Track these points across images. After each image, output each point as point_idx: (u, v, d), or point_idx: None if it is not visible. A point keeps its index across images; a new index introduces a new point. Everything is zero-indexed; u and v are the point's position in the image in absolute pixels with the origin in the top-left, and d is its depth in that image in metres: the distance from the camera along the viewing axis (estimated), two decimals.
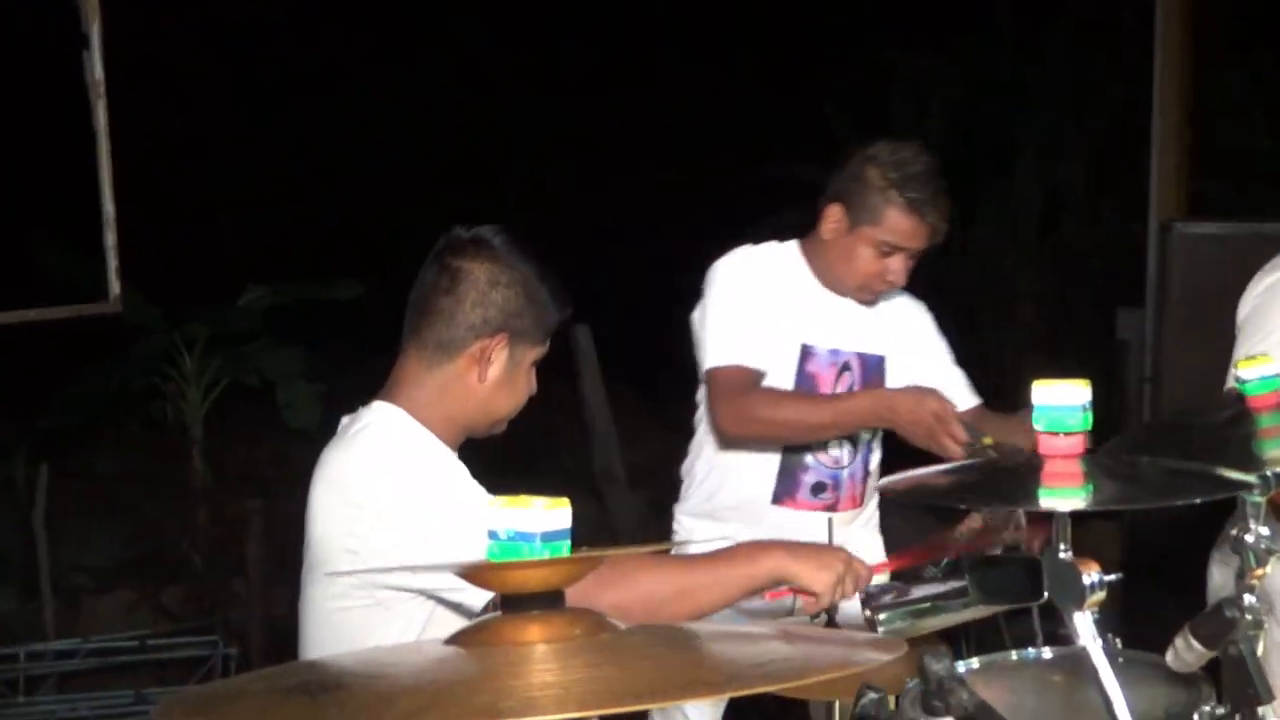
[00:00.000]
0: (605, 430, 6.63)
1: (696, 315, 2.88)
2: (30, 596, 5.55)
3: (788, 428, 2.68)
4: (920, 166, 2.71)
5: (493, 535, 1.14)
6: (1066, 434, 1.50)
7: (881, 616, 2.00)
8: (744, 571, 1.99)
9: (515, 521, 1.13)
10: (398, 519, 1.90)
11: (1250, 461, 1.78)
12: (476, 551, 1.78)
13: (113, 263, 3.97)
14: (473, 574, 1.14)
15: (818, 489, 2.86)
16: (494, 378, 2.02)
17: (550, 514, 1.13)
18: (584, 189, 9.83)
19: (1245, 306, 2.56)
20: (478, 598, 1.88)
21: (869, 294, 2.81)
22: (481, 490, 1.97)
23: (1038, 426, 1.53)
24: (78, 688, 5.10)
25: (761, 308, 2.79)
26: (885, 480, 1.70)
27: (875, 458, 2.93)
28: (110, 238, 3.98)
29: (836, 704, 2.27)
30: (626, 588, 1.75)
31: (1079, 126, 8.69)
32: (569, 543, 1.15)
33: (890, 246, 2.71)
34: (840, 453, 2.84)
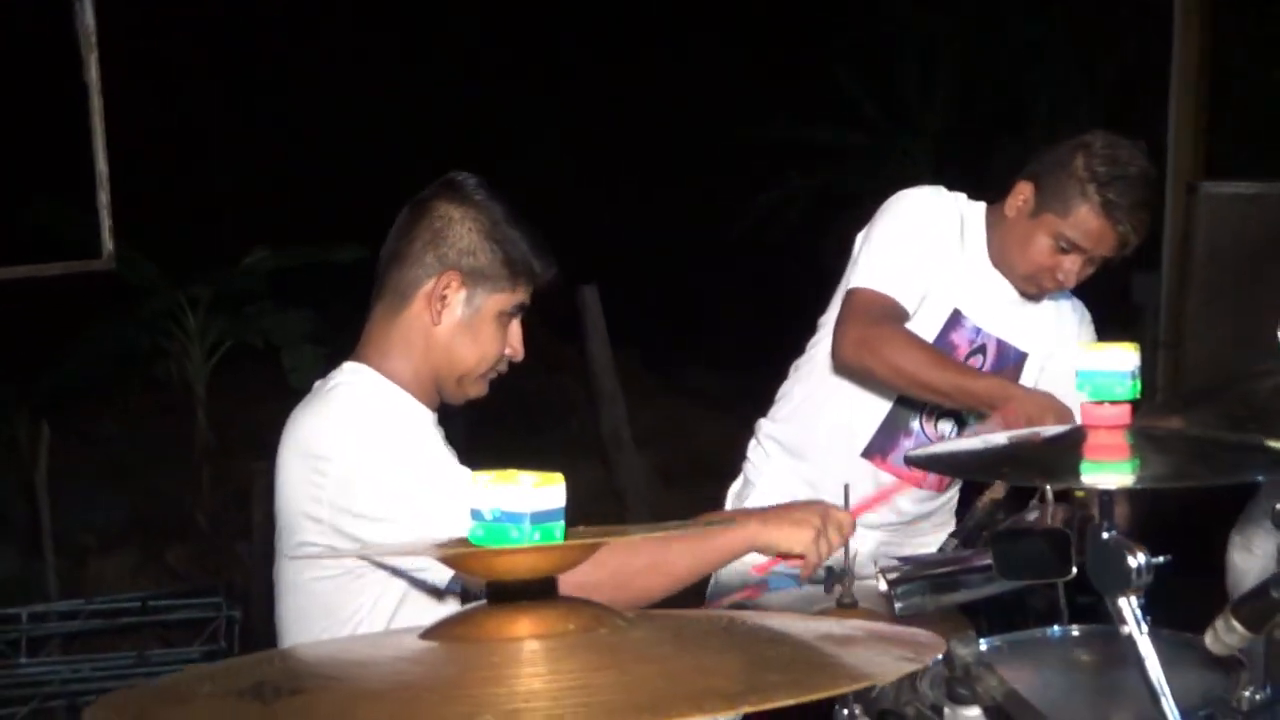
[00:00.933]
0: (612, 393, 6.55)
1: (862, 234, 2.69)
2: (33, 558, 5.52)
3: (902, 376, 2.44)
4: (1134, 170, 2.44)
5: (476, 515, 1.02)
6: (1113, 403, 1.38)
7: (899, 592, 1.90)
8: (717, 541, 1.91)
9: (502, 500, 1.01)
10: (363, 483, 1.81)
11: None
12: (449, 517, 1.71)
13: (106, 220, 3.88)
14: (454, 560, 1.02)
15: None
16: (450, 322, 1.91)
17: (542, 492, 1.01)
18: (592, 149, 9.72)
19: None
20: (441, 574, 1.80)
21: (1034, 286, 2.57)
22: (451, 457, 1.89)
23: (1081, 394, 1.41)
24: (81, 649, 5.06)
25: (931, 253, 2.58)
26: (918, 450, 1.58)
27: None
28: (104, 195, 3.88)
29: None
30: (597, 561, 1.65)
31: (1091, 86, 8.54)
32: (563, 524, 1.03)
33: (1070, 244, 2.47)
34: (947, 428, 2.64)
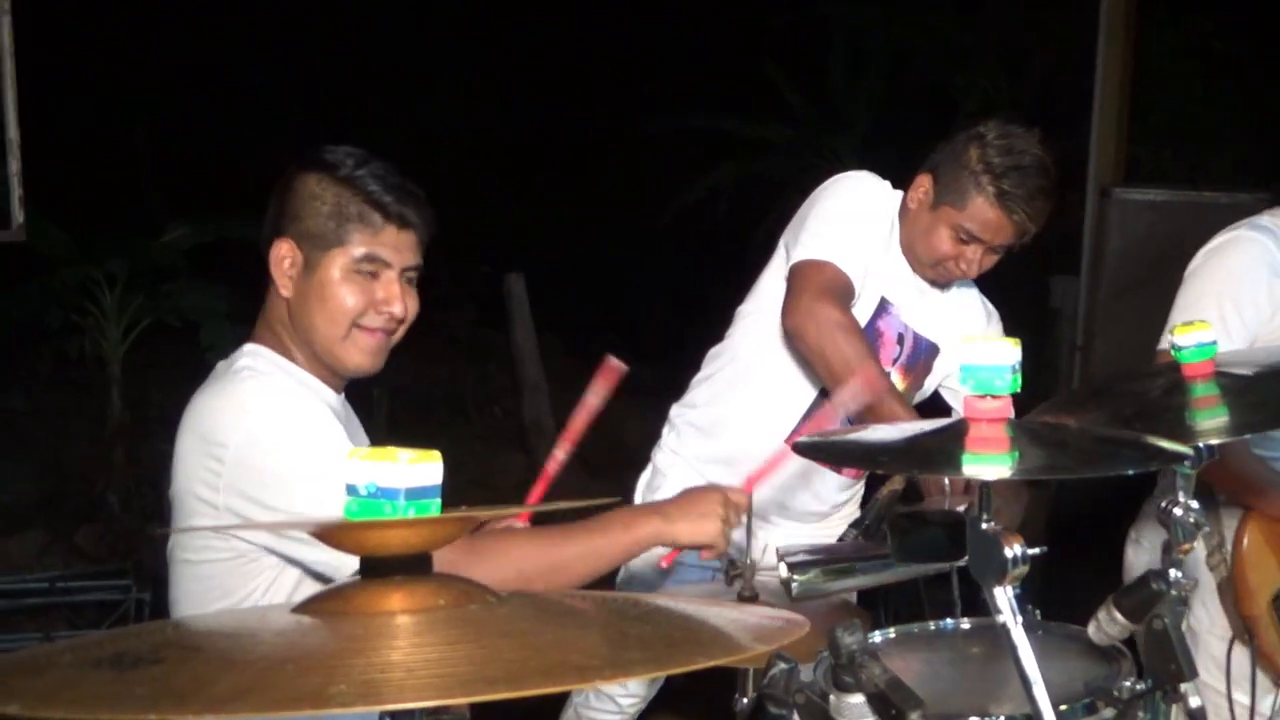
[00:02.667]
0: (535, 382, 6.53)
1: (799, 215, 2.63)
2: None
3: (831, 362, 2.39)
4: (1029, 160, 2.45)
5: (352, 490, 1.01)
6: (993, 396, 1.41)
7: (797, 577, 1.92)
8: (620, 540, 1.89)
9: (377, 475, 1.01)
10: (257, 470, 1.78)
11: (1183, 432, 1.70)
12: (333, 509, 1.69)
13: (16, 190, 3.80)
14: (327, 534, 1.01)
15: None
16: (296, 291, 1.85)
17: (418, 468, 1.01)
18: (518, 137, 9.68)
19: (1194, 262, 2.52)
20: (335, 563, 1.74)
21: (941, 276, 2.59)
22: (344, 441, 1.84)
23: (964, 387, 1.43)
24: None
25: (870, 236, 2.57)
26: (800, 439, 1.60)
27: None
28: (14, 164, 3.80)
29: (751, 672, 2.19)
30: (496, 563, 1.62)
31: (1015, 89, 8.66)
32: (438, 501, 1.03)
33: (969, 235, 2.49)
34: None
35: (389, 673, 0.83)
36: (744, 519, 1.97)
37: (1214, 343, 1.85)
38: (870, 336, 2.58)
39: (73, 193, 6.69)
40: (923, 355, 2.68)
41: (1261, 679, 2.37)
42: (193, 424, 1.82)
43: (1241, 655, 2.38)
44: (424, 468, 1.01)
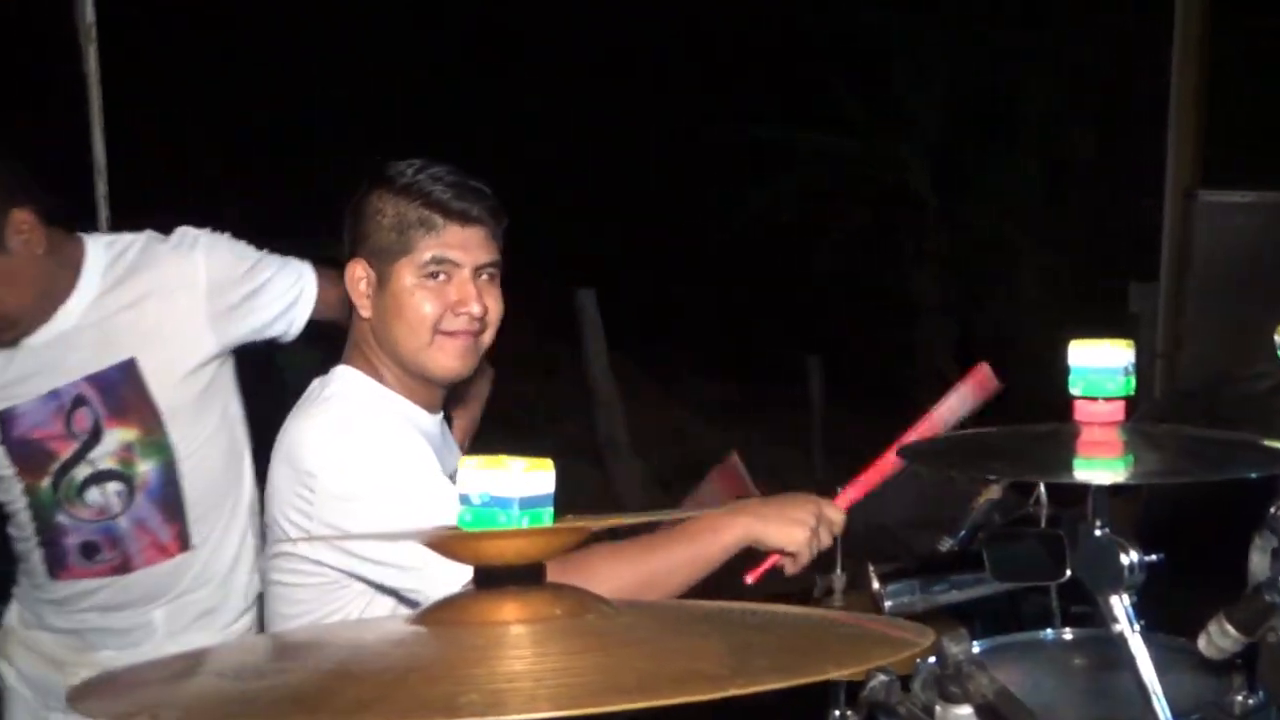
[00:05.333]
0: (608, 398, 6.53)
1: None
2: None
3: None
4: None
5: (465, 500, 1.01)
6: (1106, 399, 1.37)
7: (889, 590, 1.89)
8: (711, 547, 1.84)
9: (490, 485, 1.00)
10: (343, 499, 1.77)
11: None
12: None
13: (103, 212, 3.87)
14: (441, 545, 1.01)
15: (89, 551, 2.29)
16: (376, 309, 1.85)
17: (531, 477, 1.00)
18: (581, 151, 9.71)
19: None
20: (424, 589, 1.72)
21: None
22: (439, 471, 1.82)
23: (1074, 390, 1.40)
24: None
25: None
26: (905, 442, 1.56)
27: (192, 485, 2.30)
28: (101, 186, 3.87)
29: (845, 685, 2.16)
30: (584, 580, 1.60)
31: (1085, 91, 8.54)
32: (551, 510, 1.02)
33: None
34: (104, 499, 2.27)
35: (516, 682, 0.82)
36: (835, 536, 1.93)
37: None
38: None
39: (153, 216, 6.79)
40: (120, 383, 2.25)
41: None
42: (284, 452, 1.83)
43: None
44: (537, 476, 1.01)
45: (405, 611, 1.77)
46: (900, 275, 9.00)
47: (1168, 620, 1.83)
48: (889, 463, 1.92)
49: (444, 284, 1.85)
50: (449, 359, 1.87)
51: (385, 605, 1.81)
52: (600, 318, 6.76)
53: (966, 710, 1.49)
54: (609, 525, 0.98)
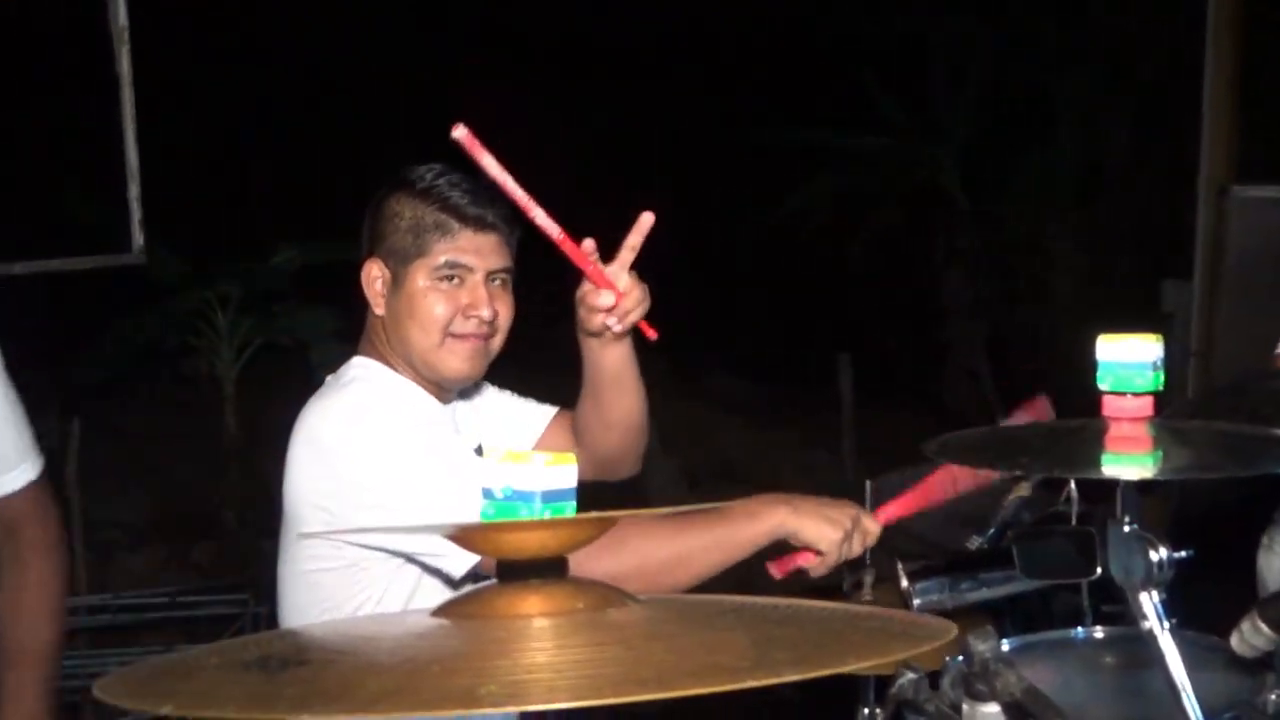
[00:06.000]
0: None
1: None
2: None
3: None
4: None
5: (488, 494, 1.01)
6: (1135, 394, 1.36)
7: (918, 587, 1.88)
8: (745, 531, 1.84)
9: (513, 478, 1.00)
10: (370, 476, 1.79)
11: None
12: (454, 508, 1.66)
13: (136, 214, 3.91)
14: (464, 537, 1.01)
15: None
16: (389, 309, 1.87)
17: (553, 470, 1.00)
18: (615, 150, 9.72)
19: None
20: (457, 564, 1.76)
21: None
22: (462, 450, 1.85)
23: (1102, 385, 1.39)
24: (109, 644, 5.10)
25: None
26: (932, 442, 1.55)
27: None
28: (134, 189, 3.91)
29: (873, 681, 2.16)
30: (619, 556, 1.58)
31: (1120, 90, 8.46)
32: (574, 503, 1.02)
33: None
34: None
35: (536, 674, 0.83)
36: (866, 546, 1.92)
37: None
38: None
39: (185, 217, 6.88)
40: None
41: None
42: (305, 434, 1.84)
43: None
44: (559, 470, 1.01)
45: (425, 592, 1.80)
46: (932, 275, 8.96)
47: (1200, 618, 1.81)
48: (937, 484, 1.91)
49: (457, 288, 1.87)
50: (458, 361, 1.89)
51: (403, 590, 1.82)
52: None
53: (994, 708, 1.48)
54: (629, 516, 0.98)
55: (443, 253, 1.86)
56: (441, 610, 0.99)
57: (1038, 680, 1.80)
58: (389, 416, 1.84)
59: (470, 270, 1.87)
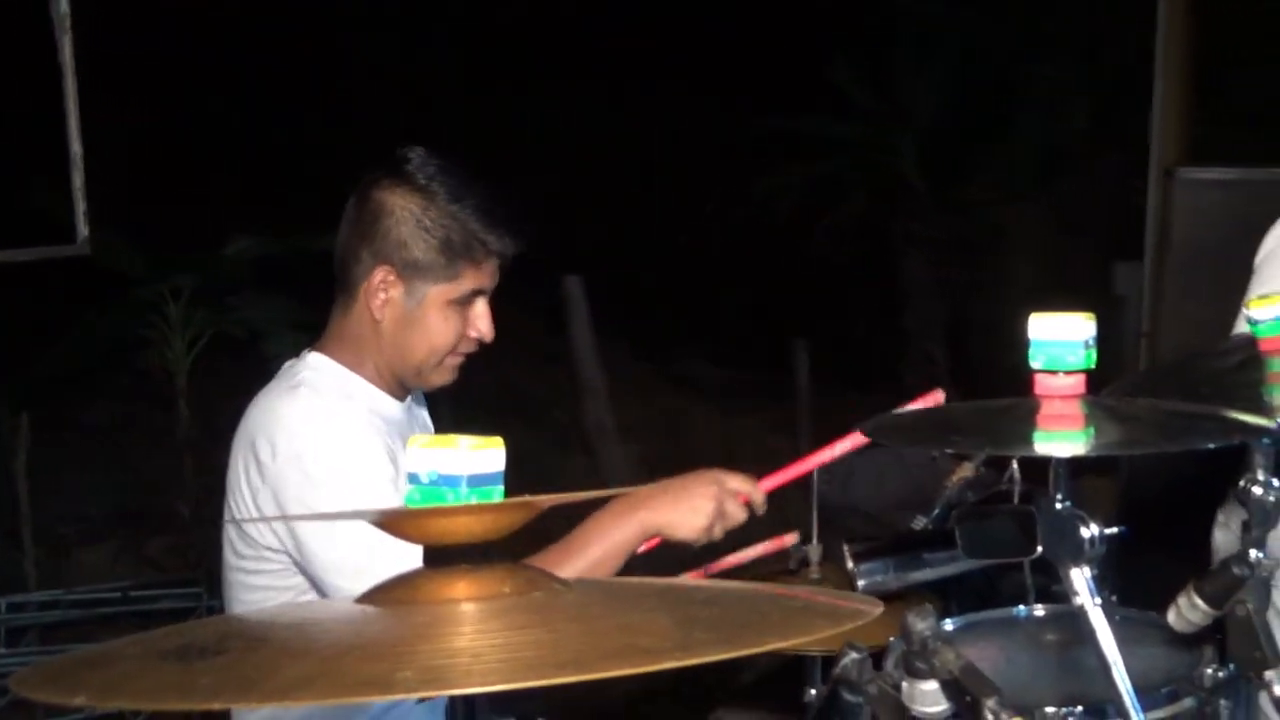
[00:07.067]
0: (595, 385, 6.54)
1: None
2: (13, 547, 5.50)
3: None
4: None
5: (413, 479, 1.01)
6: (1066, 372, 1.37)
7: (863, 568, 1.89)
8: (613, 547, 1.86)
9: (439, 463, 1.00)
10: (293, 487, 1.78)
11: (1260, 407, 1.65)
12: (358, 536, 1.63)
13: (80, 205, 3.86)
14: (390, 523, 1.01)
15: None
16: (394, 317, 1.84)
17: (479, 454, 1.00)
18: (583, 139, 9.70)
19: (1262, 251, 2.42)
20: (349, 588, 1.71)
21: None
22: (386, 470, 1.81)
23: (1034, 364, 1.40)
24: (61, 639, 5.04)
25: None
26: (866, 423, 1.56)
27: None
28: (78, 179, 3.86)
29: (820, 662, 2.17)
30: None
31: (1084, 76, 8.53)
32: (501, 488, 1.02)
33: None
34: None
35: (455, 658, 0.82)
36: (754, 506, 1.92)
37: None
38: None
39: (139, 208, 6.81)
40: None
41: None
42: (246, 430, 1.83)
43: None
44: (486, 454, 1.00)
45: None
46: (892, 260, 9.01)
47: (1153, 595, 1.83)
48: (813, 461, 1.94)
49: (467, 309, 1.88)
50: (446, 376, 1.92)
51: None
52: (588, 304, 6.76)
53: (932, 685, 1.49)
54: (556, 503, 0.98)
55: (471, 281, 1.86)
56: (369, 596, 0.99)
57: (981, 658, 1.82)
58: (323, 432, 1.80)
59: (484, 294, 1.89)
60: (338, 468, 1.79)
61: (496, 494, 1.01)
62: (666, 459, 7.23)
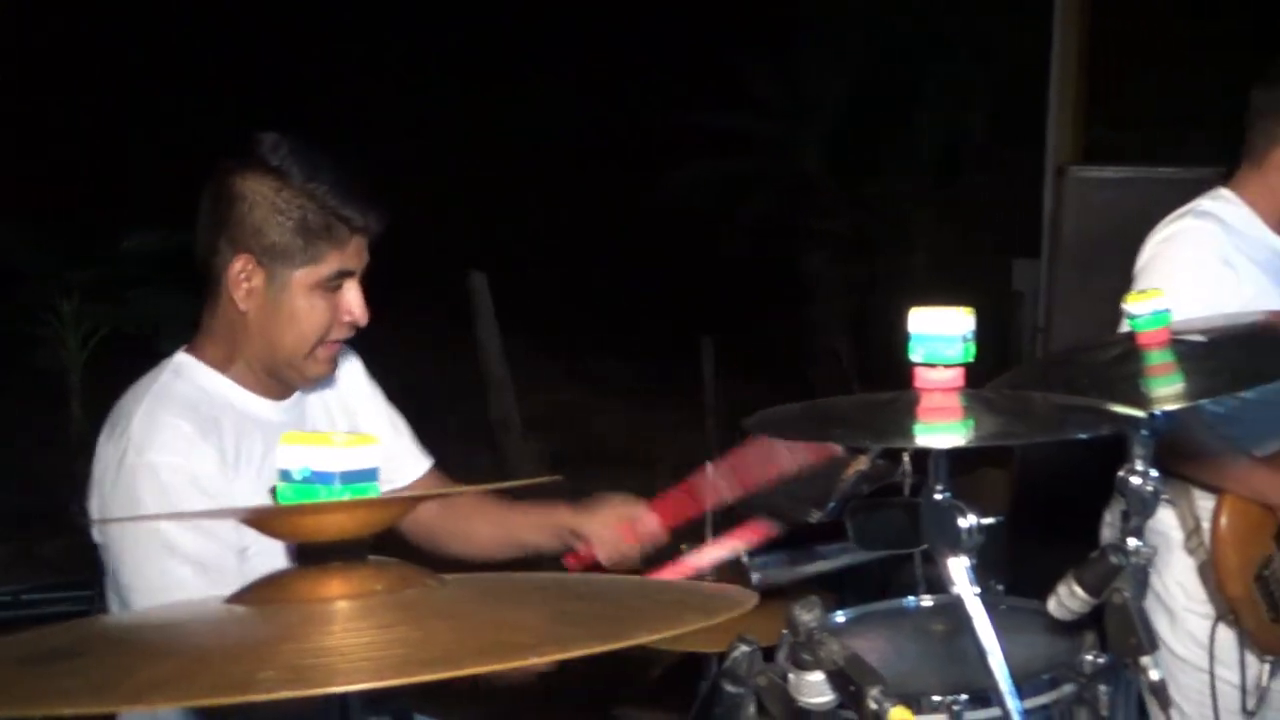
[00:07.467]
0: (500, 378, 6.52)
1: None
2: None
3: None
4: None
5: (285, 475, 0.99)
6: (946, 366, 1.39)
7: (756, 563, 1.91)
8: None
9: (312, 460, 0.98)
10: (122, 501, 1.71)
11: (1138, 399, 1.69)
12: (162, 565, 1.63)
13: None
14: (262, 520, 0.99)
15: None
16: (257, 305, 1.77)
17: (353, 451, 0.98)
18: (488, 137, 9.65)
19: (1144, 254, 2.49)
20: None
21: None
22: (193, 496, 1.73)
23: (914, 358, 1.42)
24: None
25: None
26: (750, 418, 1.58)
27: None
28: None
29: (717, 657, 2.18)
30: None
31: (985, 74, 8.68)
32: (377, 485, 1.00)
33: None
34: None
35: (321, 658, 0.81)
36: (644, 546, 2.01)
37: (1168, 310, 1.84)
38: None
39: (31, 202, 6.64)
40: None
41: (1248, 655, 2.38)
42: (105, 427, 1.79)
43: (1225, 634, 2.38)
44: (359, 451, 0.99)
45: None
46: (798, 255, 9.10)
47: (1040, 584, 1.87)
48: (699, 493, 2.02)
49: (336, 293, 1.81)
50: (321, 368, 1.85)
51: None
52: (495, 300, 6.74)
53: (818, 676, 1.50)
54: (431, 498, 0.97)
55: (334, 262, 1.78)
56: (239, 596, 0.97)
57: (870, 648, 1.84)
58: (159, 458, 1.72)
59: (352, 275, 1.82)
60: (150, 490, 1.72)
61: (372, 490, 1.00)
62: (572, 454, 7.24)
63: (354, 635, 0.85)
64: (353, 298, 1.82)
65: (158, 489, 1.71)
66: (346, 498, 0.96)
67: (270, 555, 1.12)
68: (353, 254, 1.81)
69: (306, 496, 0.98)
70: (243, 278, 1.78)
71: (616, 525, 2.01)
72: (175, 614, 1.01)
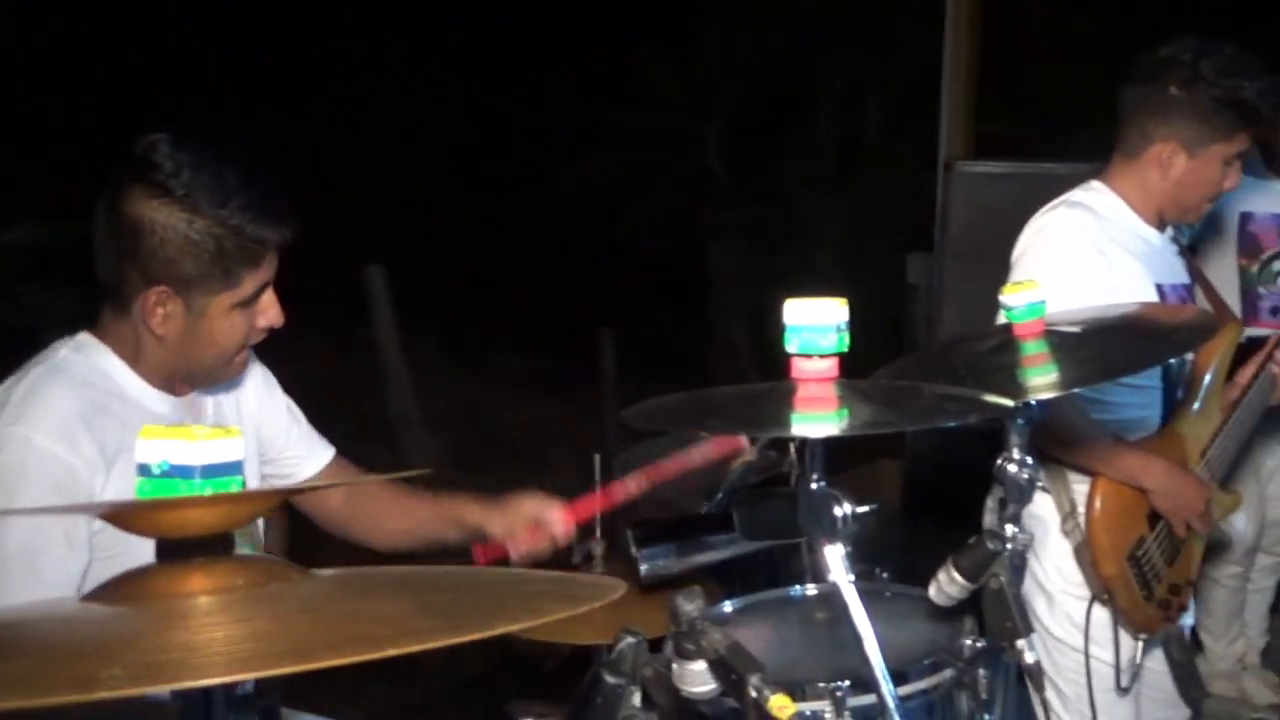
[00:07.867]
0: (398, 374, 6.46)
1: None
2: None
3: None
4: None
5: (144, 470, 0.97)
6: (821, 356, 1.41)
7: (645, 553, 1.91)
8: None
9: (171, 454, 0.96)
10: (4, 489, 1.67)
11: (1013, 388, 1.73)
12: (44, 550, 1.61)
13: None
14: (119, 517, 0.96)
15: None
16: (175, 330, 1.75)
17: (214, 445, 0.96)
18: (387, 130, 9.54)
19: (1019, 245, 2.55)
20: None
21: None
22: (82, 485, 1.69)
23: (789, 348, 1.43)
24: None
25: None
26: (628, 410, 1.58)
27: None
28: None
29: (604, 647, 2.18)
30: None
31: (882, 71, 8.81)
32: (240, 479, 0.98)
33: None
34: None
35: (171, 654, 0.79)
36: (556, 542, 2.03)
37: (1043, 302, 1.89)
38: None
39: None
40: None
41: (1121, 634, 2.44)
42: None
43: (1100, 614, 2.44)
44: (221, 444, 0.97)
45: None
46: (698, 249, 9.15)
47: (931, 571, 1.90)
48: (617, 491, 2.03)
49: (253, 306, 1.82)
50: (236, 370, 1.88)
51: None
52: (393, 295, 6.67)
53: (700, 666, 1.52)
54: (296, 492, 0.95)
55: (253, 284, 1.77)
56: (95, 594, 0.94)
57: (756, 637, 1.86)
58: (42, 448, 1.69)
59: (268, 286, 1.82)
60: (12, 461, 1.69)
61: (235, 485, 0.98)
62: (471, 449, 7.19)
63: (209, 630, 0.83)
64: (269, 305, 1.83)
65: (17, 467, 1.68)
66: (207, 492, 0.94)
67: (139, 554, 1.10)
68: (268, 269, 1.81)
69: (166, 490, 0.96)
70: (159, 307, 1.75)
71: (522, 525, 2.02)
72: (27, 613, 0.98)
